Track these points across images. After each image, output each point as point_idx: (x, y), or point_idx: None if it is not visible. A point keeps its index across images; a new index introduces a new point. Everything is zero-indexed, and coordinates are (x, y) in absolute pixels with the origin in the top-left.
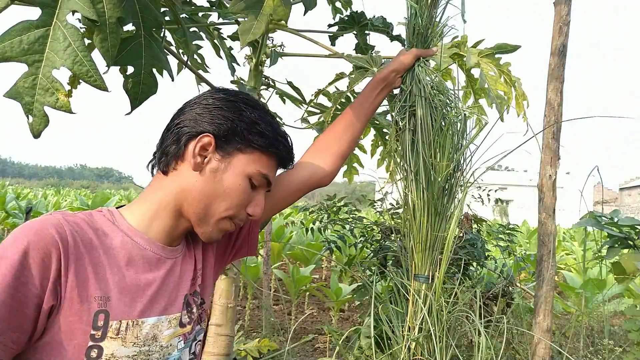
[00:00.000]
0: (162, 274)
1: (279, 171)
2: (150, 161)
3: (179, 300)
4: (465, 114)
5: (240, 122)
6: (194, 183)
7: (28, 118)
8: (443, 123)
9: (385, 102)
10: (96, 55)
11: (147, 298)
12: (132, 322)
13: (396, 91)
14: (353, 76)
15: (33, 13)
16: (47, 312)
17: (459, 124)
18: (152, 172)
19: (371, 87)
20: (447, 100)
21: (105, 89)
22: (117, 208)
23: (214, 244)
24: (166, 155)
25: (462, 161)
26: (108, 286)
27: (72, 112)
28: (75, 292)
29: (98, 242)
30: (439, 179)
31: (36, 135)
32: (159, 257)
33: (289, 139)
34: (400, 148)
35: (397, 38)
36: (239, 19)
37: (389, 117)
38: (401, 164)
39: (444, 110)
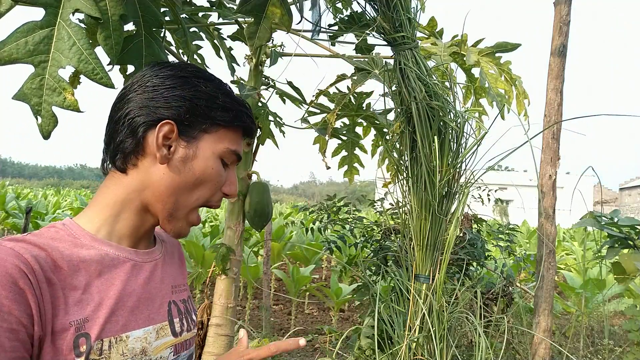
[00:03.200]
0: (142, 281)
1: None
2: (103, 160)
3: (163, 307)
4: (464, 117)
5: (198, 99)
6: (162, 177)
7: (37, 119)
8: (441, 124)
9: (384, 102)
10: (99, 53)
11: (128, 310)
12: (115, 338)
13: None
14: (355, 78)
15: (37, 14)
16: (38, 342)
17: (457, 127)
18: (104, 171)
19: None
20: (445, 103)
21: (111, 85)
22: (71, 218)
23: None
24: (122, 152)
25: (462, 165)
26: (83, 306)
27: (80, 111)
28: (52, 322)
29: (62, 262)
30: (439, 184)
31: (46, 135)
32: (133, 263)
33: (247, 105)
34: (400, 149)
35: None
36: (239, 20)
37: (389, 117)
38: (401, 166)
39: (441, 113)
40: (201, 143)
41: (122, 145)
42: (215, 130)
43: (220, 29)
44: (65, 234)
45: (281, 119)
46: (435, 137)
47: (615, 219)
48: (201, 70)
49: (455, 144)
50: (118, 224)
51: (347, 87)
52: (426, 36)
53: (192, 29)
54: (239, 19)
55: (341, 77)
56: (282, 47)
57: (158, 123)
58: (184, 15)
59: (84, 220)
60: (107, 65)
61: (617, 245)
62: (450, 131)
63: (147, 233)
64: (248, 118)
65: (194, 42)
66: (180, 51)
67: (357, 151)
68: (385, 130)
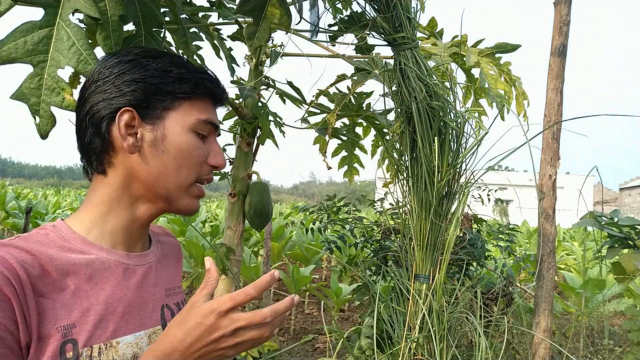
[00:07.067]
0: (133, 285)
1: (220, 110)
2: (83, 166)
3: (156, 312)
4: (464, 117)
5: (151, 77)
6: (140, 167)
7: (35, 119)
8: (442, 124)
9: (384, 102)
10: (98, 54)
11: (119, 315)
12: (105, 344)
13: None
14: (355, 78)
15: (36, 14)
16: (26, 350)
17: (458, 127)
18: (89, 177)
19: None
20: (445, 103)
21: None
22: (62, 219)
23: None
24: (94, 153)
25: (462, 165)
26: (70, 311)
27: None
28: (37, 329)
29: (51, 267)
30: (440, 184)
31: (44, 135)
32: (125, 267)
33: (210, 71)
34: (400, 149)
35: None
36: (239, 20)
37: (389, 117)
38: (401, 166)
39: (442, 113)
40: (167, 121)
41: (91, 146)
42: (179, 104)
43: (220, 29)
44: (55, 237)
45: (281, 119)
46: (436, 137)
47: (615, 219)
48: (149, 49)
49: (455, 144)
50: (108, 223)
51: (347, 87)
52: (426, 36)
53: (192, 29)
54: (239, 19)
55: (341, 77)
56: (282, 47)
57: (116, 113)
58: (184, 16)
59: (75, 223)
60: None
61: (617, 245)
62: (451, 131)
63: (141, 230)
64: (211, 83)
65: (194, 43)
66: (180, 51)
67: (357, 151)
68: (385, 130)
